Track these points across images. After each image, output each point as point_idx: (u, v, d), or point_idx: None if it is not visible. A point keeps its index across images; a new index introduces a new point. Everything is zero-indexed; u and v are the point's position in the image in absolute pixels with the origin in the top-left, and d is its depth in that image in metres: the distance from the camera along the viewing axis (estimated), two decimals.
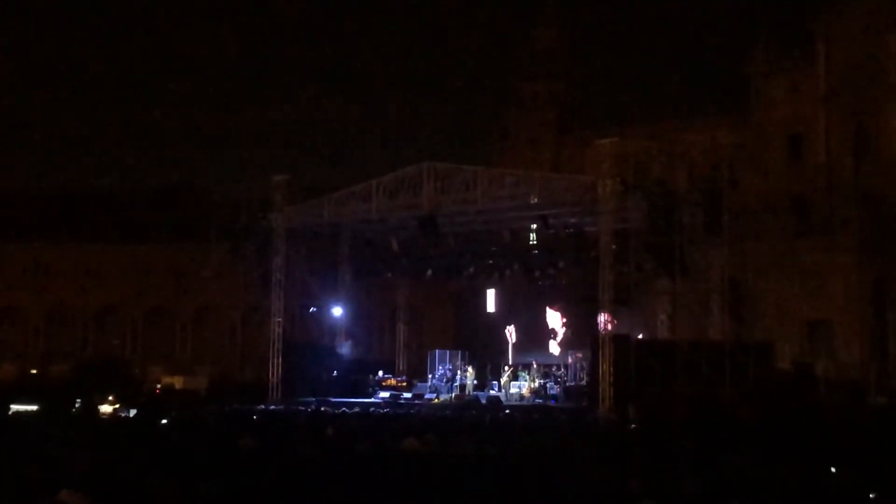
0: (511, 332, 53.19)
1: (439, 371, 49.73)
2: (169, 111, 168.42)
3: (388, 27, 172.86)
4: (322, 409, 42.40)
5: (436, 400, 46.71)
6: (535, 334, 53.49)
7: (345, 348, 52.44)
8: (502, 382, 47.98)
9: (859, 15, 74.23)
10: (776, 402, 40.36)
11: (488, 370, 49.69)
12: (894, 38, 72.89)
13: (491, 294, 57.46)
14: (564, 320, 52.64)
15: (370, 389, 50.06)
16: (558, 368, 49.01)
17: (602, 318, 41.41)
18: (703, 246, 45.11)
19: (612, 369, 40.61)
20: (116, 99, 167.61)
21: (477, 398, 46.07)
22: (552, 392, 47.00)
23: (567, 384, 47.58)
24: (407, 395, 48.48)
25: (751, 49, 77.99)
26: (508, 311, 54.50)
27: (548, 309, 52.85)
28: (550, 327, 53.04)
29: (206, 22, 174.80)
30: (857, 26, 74.04)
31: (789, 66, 76.96)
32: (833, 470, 16.02)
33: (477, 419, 37.14)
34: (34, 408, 33.78)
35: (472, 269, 49.67)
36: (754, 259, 66.65)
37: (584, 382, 46.36)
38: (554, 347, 52.47)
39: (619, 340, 41.80)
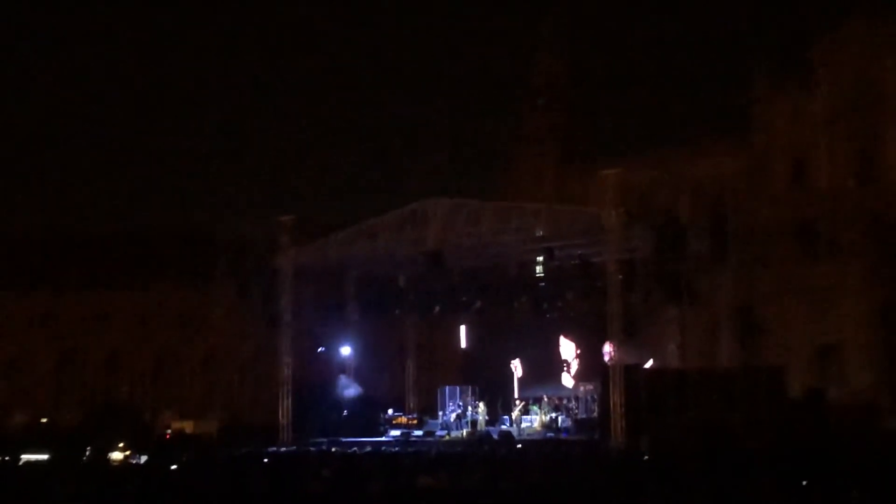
0: (516, 366, 53.00)
1: (450, 407, 49.55)
2: (173, 153, 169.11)
3: (391, 63, 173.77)
4: (333, 449, 42.27)
5: (447, 437, 46.55)
6: (544, 367, 53.17)
7: (350, 389, 52.15)
8: (514, 417, 47.80)
9: (859, 39, 74.46)
10: (788, 428, 40.19)
11: (499, 405, 49.50)
12: (894, 61, 73.12)
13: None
14: (578, 351, 52.34)
15: (381, 428, 49.88)
16: (569, 401, 48.82)
17: (608, 348, 41.25)
18: (710, 273, 45.10)
19: (622, 400, 40.42)
20: (119, 142, 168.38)
21: (489, 433, 45.90)
22: (564, 425, 46.85)
23: (578, 416, 47.40)
24: (418, 432, 48.28)
25: (752, 74, 78.22)
26: (515, 344, 54.17)
27: (562, 338, 52.55)
28: (563, 358, 52.74)
29: (209, 63, 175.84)
30: (857, 51, 74.25)
31: (790, 91, 77.10)
32: (854, 493, 15.95)
33: (489, 455, 37.03)
34: (45, 457, 33.70)
35: (479, 304, 49.57)
36: (762, 285, 66.55)
37: (595, 414, 46.16)
38: (567, 380, 52.14)
39: (629, 371, 41.62)
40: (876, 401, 57.31)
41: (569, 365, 52.24)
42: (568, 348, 52.30)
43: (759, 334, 59.04)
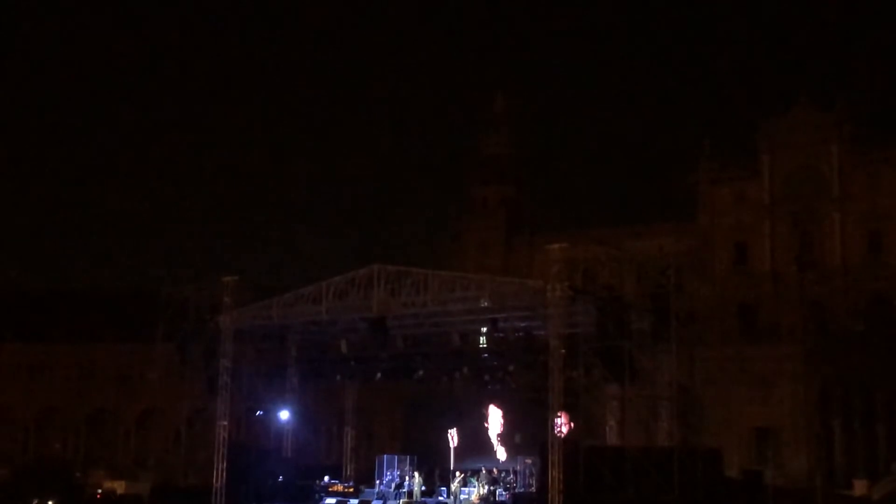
0: (453, 436, 52.76)
1: (387, 477, 49.09)
2: (116, 211, 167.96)
3: (339, 131, 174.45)
4: None
5: None
6: (480, 439, 53.04)
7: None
8: (452, 489, 47.42)
9: (802, 127, 76.22)
10: None
11: (437, 476, 49.13)
12: (836, 149, 74.84)
13: None
14: (503, 422, 52.36)
15: (316, 495, 49.27)
16: (507, 474, 48.57)
17: (559, 420, 41.07)
18: (651, 351, 45.24)
19: (561, 476, 40.23)
20: (60, 198, 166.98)
21: None
22: (501, 499, 46.51)
23: (516, 491, 47.10)
24: (354, 501, 47.72)
25: (697, 158, 79.54)
26: (454, 414, 53.98)
27: (490, 406, 52.60)
28: (491, 430, 52.77)
29: (155, 125, 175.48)
30: (800, 138, 75.95)
31: (734, 175, 78.56)
32: None
33: None
34: None
35: (421, 373, 49.31)
36: (702, 365, 67.12)
37: (533, 489, 45.91)
38: (501, 453, 52.11)
39: (569, 446, 41.48)
40: (811, 484, 57.65)
41: (499, 437, 52.29)
42: (496, 414, 52.42)
43: (698, 414, 59.34)
